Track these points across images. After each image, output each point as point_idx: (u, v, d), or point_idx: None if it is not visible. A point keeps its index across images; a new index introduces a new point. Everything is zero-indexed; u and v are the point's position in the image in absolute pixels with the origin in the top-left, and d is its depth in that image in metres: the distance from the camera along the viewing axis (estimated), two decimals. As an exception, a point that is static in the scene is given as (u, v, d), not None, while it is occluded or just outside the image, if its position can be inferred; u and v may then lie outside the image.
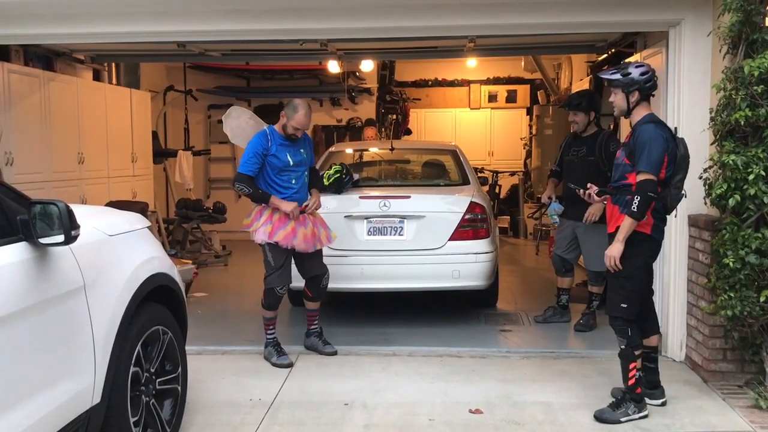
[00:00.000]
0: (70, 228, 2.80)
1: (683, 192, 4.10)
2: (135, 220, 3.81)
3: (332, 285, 5.50)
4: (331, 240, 5.39)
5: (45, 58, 7.51)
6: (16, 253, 2.73)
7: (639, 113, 4.08)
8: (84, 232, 2.99)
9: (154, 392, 3.53)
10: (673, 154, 3.98)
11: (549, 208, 6.21)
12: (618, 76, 4.08)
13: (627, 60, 6.15)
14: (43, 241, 2.80)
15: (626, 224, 3.95)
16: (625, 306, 4.08)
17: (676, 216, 4.70)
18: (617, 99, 4.12)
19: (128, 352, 3.26)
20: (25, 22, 5.38)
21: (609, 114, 6.11)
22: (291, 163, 5.13)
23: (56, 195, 6.72)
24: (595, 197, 4.40)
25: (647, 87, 4.06)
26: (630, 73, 4.05)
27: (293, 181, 5.17)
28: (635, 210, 3.88)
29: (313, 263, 5.32)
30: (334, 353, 5.36)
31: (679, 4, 4.97)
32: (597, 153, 5.87)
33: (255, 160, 5.06)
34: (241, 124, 5.54)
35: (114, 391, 3.15)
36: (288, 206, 5.05)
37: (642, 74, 4.04)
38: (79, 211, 3.03)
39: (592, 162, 5.87)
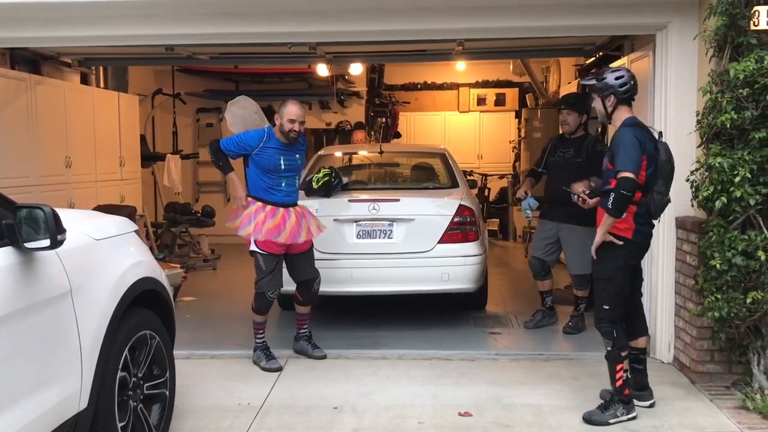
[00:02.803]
0: (56, 232, 2.78)
1: (668, 198, 4.11)
2: (122, 224, 3.78)
3: (321, 288, 5.49)
4: (322, 229, 5.39)
5: (32, 61, 7.47)
6: (1, 257, 2.71)
7: (619, 117, 4.11)
8: (70, 236, 2.98)
9: (141, 397, 3.50)
10: (652, 156, 4.00)
11: (523, 203, 6.17)
12: (593, 81, 4.13)
13: (613, 63, 6.19)
14: (28, 245, 2.78)
15: (604, 219, 4.01)
16: (608, 308, 4.11)
17: (659, 221, 4.73)
18: (596, 104, 4.17)
19: (115, 356, 3.24)
20: (12, 25, 5.35)
21: (595, 117, 6.12)
22: (282, 167, 5.11)
23: (43, 199, 6.66)
24: (588, 200, 4.41)
25: (622, 92, 4.07)
26: (605, 78, 4.09)
27: (283, 184, 5.15)
28: (609, 207, 3.91)
29: (304, 267, 5.31)
30: (324, 357, 5.35)
31: (665, 7, 5.00)
32: (584, 154, 5.88)
33: (235, 149, 5.15)
34: (245, 115, 5.49)
35: (101, 396, 3.13)
36: (238, 192, 5.18)
37: (617, 79, 4.07)
38: (66, 215, 3.01)
39: (580, 163, 5.88)
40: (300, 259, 5.27)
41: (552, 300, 6.28)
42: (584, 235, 5.80)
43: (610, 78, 4.08)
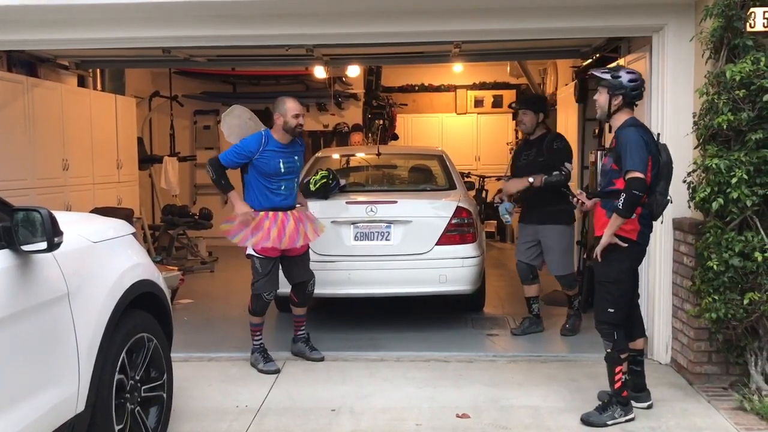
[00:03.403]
0: (53, 235, 2.79)
1: (669, 198, 4.12)
2: (120, 227, 3.79)
3: (319, 290, 5.49)
4: (319, 232, 5.36)
5: (29, 64, 7.46)
6: (-2, 260, 2.71)
7: (620, 118, 4.11)
8: (68, 239, 2.98)
9: (139, 400, 3.50)
10: (655, 156, 4.01)
11: (500, 207, 6.06)
12: (608, 76, 4.11)
13: (609, 65, 6.19)
14: (25, 248, 2.77)
15: (612, 221, 3.99)
16: (612, 311, 4.10)
17: (662, 222, 4.74)
18: (601, 98, 4.15)
19: (113, 359, 3.24)
20: (8, 28, 5.34)
21: (592, 119, 6.09)
22: (282, 170, 5.10)
23: (40, 202, 6.67)
24: (586, 202, 4.41)
25: (632, 95, 4.08)
26: (620, 77, 4.07)
27: (282, 188, 5.15)
28: (620, 207, 3.90)
29: (299, 269, 5.31)
30: (321, 359, 5.35)
31: (662, 9, 5.01)
32: (546, 153, 5.78)
33: (237, 159, 5.07)
34: (240, 123, 5.50)
35: (98, 399, 3.13)
36: (242, 208, 5.05)
37: (630, 81, 4.06)
38: (63, 218, 3.01)
39: (542, 163, 5.78)
40: (295, 261, 5.26)
41: (538, 307, 6.16)
42: (560, 235, 5.81)
43: (624, 78, 4.06)
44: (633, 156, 3.91)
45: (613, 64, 6.14)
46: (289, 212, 5.16)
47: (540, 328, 6.14)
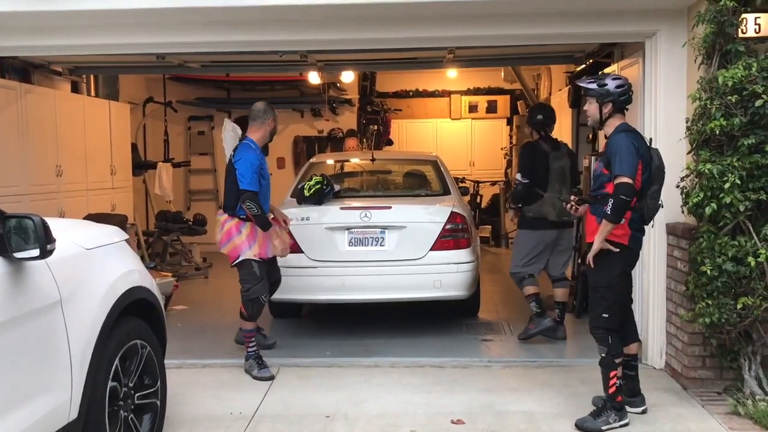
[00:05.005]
0: (45, 242, 2.78)
1: (660, 203, 4.14)
2: (113, 233, 3.77)
3: (314, 297, 5.50)
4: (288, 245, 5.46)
5: (22, 70, 7.44)
6: (-10, 267, 2.70)
7: (612, 124, 4.13)
8: (60, 245, 2.97)
9: (132, 407, 3.49)
10: (647, 161, 4.03)
11: None
12: (594, 86, 4.13)
13: (604, 71, 6.21)
14: (18, 255, 2.77)
15: (602, 226, 4.00)
16: (606, 316, 4.11)
17: (653, 226, 4.75)
18: (591, 108, 4.18)
19: (106, 366, 3.23)
20: (1, 34, 5.32)
21: (584, 124, 6.09)
22: (268, 174, 5.21)
23: (34, 208, 6.62)
24: (579, 208, 4.42)
25: (621, 100, 4.10)
26: (606, 85, 4.09)
27: (267, 194, 5.21)
28: (608, 213, 3.92)
29: (274, 269, 5.38)
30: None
31: (654, 15, 5.04)
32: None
33: (256, 176, 5.01)
34: (228, 136, 5.60)
35: (91, 406, 3.11)
36: (279, 223, 5.18)
37: (617, 87, 4.08)
38: (56, 225, 3.01)
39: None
40: (272, 262, 5.32)
41: (560, 311, 6.09)
42: (516, 238, 6.16)
43: (611, 85, 4.09)
44: (622, 161, 3.93)
45: (607, 70, 6.17)
46: (272, 219, 5.21)
47: (560, 335, 6.01)
